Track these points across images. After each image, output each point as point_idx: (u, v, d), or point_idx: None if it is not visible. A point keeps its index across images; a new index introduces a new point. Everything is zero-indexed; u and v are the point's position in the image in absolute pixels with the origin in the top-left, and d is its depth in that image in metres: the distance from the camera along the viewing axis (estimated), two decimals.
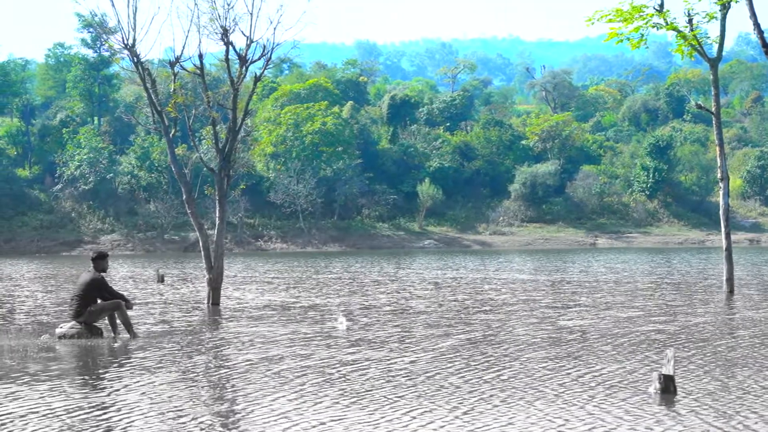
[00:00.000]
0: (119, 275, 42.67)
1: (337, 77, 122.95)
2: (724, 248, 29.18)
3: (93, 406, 11.61)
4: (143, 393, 12.46)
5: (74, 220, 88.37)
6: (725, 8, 28.62)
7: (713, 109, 29.52)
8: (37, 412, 11.23)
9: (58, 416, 11.02)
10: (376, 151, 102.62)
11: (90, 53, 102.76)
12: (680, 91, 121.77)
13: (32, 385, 13.03)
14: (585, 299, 27.15)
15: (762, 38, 19.47)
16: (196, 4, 25.84)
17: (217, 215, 26.65)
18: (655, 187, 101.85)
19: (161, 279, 37.15)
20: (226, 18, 25.81)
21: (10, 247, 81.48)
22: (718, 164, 29.69)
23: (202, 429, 10.37)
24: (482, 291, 31.10)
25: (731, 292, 28.53)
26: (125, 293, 29.65)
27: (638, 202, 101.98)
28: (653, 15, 28.46)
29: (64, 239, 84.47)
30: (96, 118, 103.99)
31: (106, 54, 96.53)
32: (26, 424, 10.64)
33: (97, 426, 10.53)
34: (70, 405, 11.68)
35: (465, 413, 11.19)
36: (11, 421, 10.77)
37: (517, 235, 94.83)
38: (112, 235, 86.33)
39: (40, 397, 12.16)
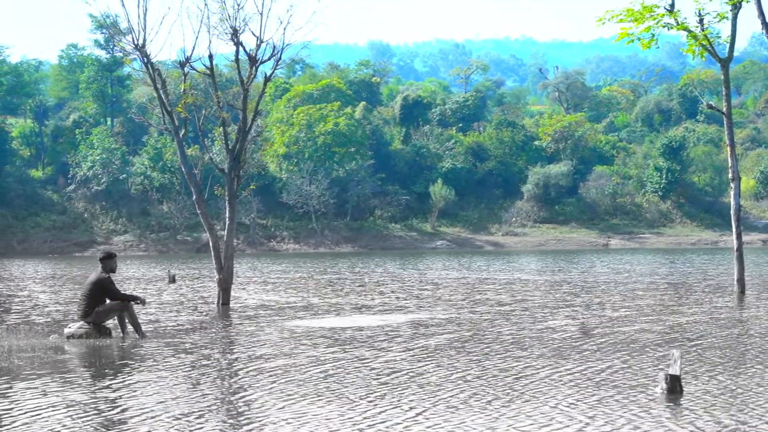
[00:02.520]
0: (131, 276, 42.78)
1: (350, 78, 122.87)
2: (735, 248, 29.09)
3: (99, 405, 11.65)
4: (149, 392, 12.49)
5: (87, 221, 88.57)
6: (736, 8, 28.55)
7: (724, 110, 29.43)
8: (43, 411, 11.27)
9: (63, 415, 11.05)
10: (389, 152, 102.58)
11: (103, 54, 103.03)
12: (693, 92, 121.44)
13: (40, 385, 13.08)
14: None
15: None
16: (206, 4, 25.90)
17: (227, 216, 26.69)
18: (668, 187, 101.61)
19: (172, 279, 37.20)
20: (236, 18, 25.86)
21: (23, 248, 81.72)
22: (729, 165, 29.61)
23: (206, 427, 10.40)
24: (480, 291, 31.19)
25: (742, 292, 28.43)
26: (136, 293, 29.79)
27: (651, 203, 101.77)
28: (664, 15, 28.45)
29: (76, 240, 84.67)
30: (109, 119, 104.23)
31: (119, 55, 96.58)
32: (32, 422, 10.68)
33: (103, 425, 10.56)
34: (76, 404, 11.71)
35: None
36: (18, 419, 10.80)
37: (529, 235, 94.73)
38: (124, 236, 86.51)
39: (47, 396, 12.20)
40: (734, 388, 12.63)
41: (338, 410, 11.32)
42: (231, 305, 25.79)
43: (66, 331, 18.34)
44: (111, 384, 13.27)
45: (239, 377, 13.81)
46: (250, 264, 54.60)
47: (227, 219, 26.67)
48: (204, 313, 23.85)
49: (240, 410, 11.45)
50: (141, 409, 11.45)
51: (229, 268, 26.21)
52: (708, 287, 32.01)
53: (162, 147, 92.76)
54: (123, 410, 11.38)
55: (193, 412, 11.26)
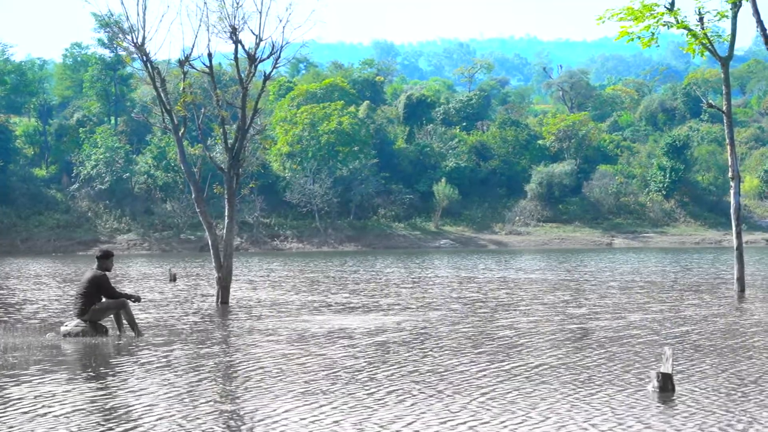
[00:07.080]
0: (132, 274, 42.81)
1: (354, 77, 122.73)
2: (735, 247, 29.05)
3: (95, 404, 11.65)
4: (146, 391, 12.49)
5: (91, 220, 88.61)
6: (736, 7, 28.49)
7: (724, 108, 29.39)
8: (39, 410, 11.28)
9: (59, 414, 11.06)
10: (393, 151, 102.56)
11: (107, 53, 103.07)
12: (696, 91, 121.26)
13: (36, 383, 13.09)
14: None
15: (765, 35, 19.42)
16: (205, 2, 25.95)
17: (227, 214, 26.72)
18: (672, 186, 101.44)
19: (173, 278, 37.23)
20: (234, 16, 25.89)
21: (26, 247, 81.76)
22: (729, 163, 29.59)
23: (200, 426, 10.41)
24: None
25: (742, 291, 28.38)
26: (137, 292, 29.82)
27: (655, 202, 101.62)
28: (664, 14, 28.41)
29: (80, 239, 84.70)
30: (113, 118, 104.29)
31: (123, 54, 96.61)
32: (28, 421, 10.69)
33: (99, 423, 10.57)
34: (72, 403, 11.71)
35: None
36: (13, 419, 10.82)
37: (533, 234, 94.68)
38: (128, 235, 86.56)
39: (43, 395, 12.21)
40: (726, 386, 12.61)
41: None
42: (230, 303, 25.82)
43: (62, 329, 18.35)
44: (106, 382, 13.28)
45: (237, 377, 13.82)
46: (250, 263, 54.63)
47: (227, 217, 26.71)
48: (202, 312, 23.85)
49: (237, 410, 11.46)
50: (135, 407, 11.46)
51: (228, 267, 26.24)
52: (707, 286, 31.96)
53: (165, 146, 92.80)
54: (117, 408, 11.39)
55: (186, 410, 11.27)
